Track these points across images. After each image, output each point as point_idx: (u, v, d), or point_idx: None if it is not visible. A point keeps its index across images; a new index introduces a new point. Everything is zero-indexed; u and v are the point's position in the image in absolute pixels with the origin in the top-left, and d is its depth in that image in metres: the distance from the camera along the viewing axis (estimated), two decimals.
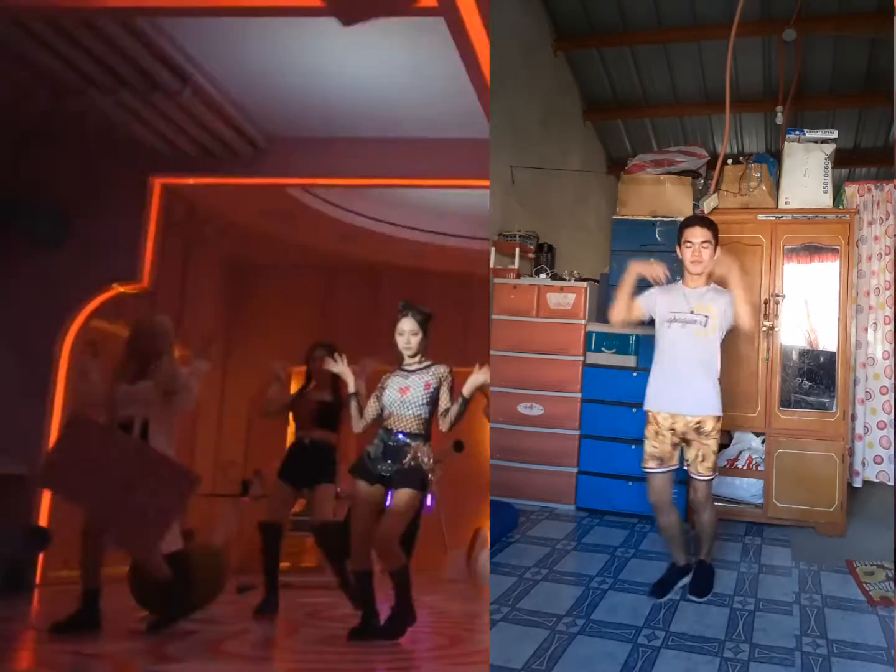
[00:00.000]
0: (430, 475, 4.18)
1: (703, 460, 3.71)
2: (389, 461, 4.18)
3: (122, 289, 7.03)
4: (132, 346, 4.52)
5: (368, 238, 8.94)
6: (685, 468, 3.78)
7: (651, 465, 3.73)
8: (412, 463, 4.14)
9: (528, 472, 5.15)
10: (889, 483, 5.02)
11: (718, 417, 3.72)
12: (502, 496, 5.00)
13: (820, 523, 4.65)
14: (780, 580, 3.94)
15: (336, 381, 5.00)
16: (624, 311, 3.87)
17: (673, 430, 3.70)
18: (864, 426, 5.10)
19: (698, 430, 3.69)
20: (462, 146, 6.68)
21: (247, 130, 6.91)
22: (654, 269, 3.82)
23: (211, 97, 6.38)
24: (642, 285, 3.91)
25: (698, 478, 3.73)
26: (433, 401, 4.24)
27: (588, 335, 5.17)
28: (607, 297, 5.17)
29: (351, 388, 4.39)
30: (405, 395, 4.23)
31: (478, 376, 4.13)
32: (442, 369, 4.30)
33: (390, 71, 6.12)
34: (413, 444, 4.17)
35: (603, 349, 5.12)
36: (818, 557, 4.24)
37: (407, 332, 4.30)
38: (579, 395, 5.15)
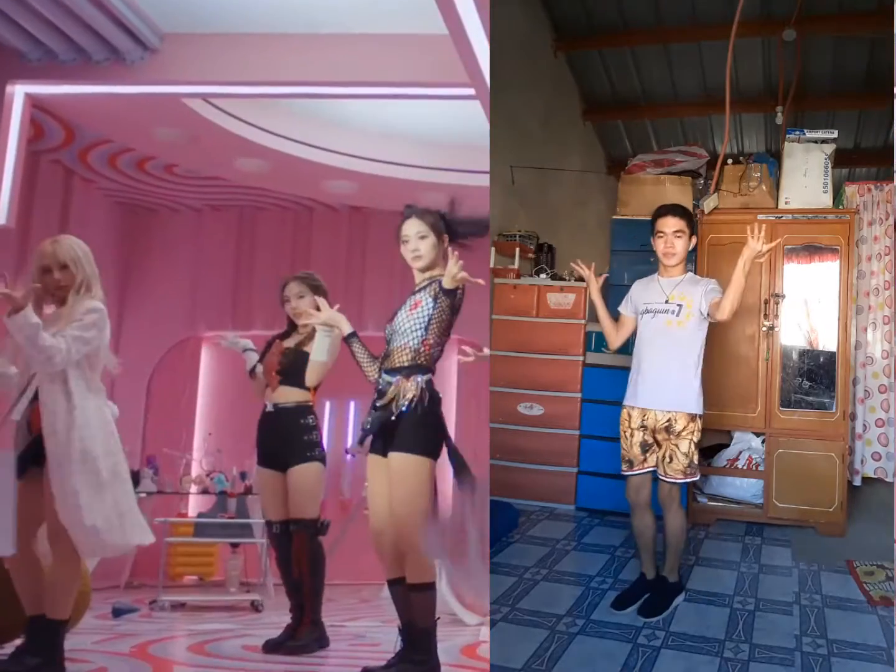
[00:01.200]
0: (441, 434, 3.20)
1: (669, 461, 3.47)
2: (373, 409, 3.27)
3: None
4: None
5: (296, 168, 7.16)
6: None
7: (623, 468, 3.60)
8: (396, 404, 3.18)
9: (528, 472, 5.15)
10: (886, 479, 5.04)
11: (694, 416, 3.47)
12: (502, 496, 4.99)
13: (820, 523, 4.65)
14: (780, 580, 3.94)
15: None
16: (613, 333, 3.77)
17: (643, 427, 3.51)
18: (864, 424, 5.13)
19: (667, 428, 3.46)
20: (416, 42, 5.36)
21: (133, 24, 5.37)
22: (583, 268, 3.86)
23: None
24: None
25: (664, 479, 3.52)
26: (426, 322, 3.26)
27: (588, 335, 5.17)
28: (607, 298, 5.16)
29: (346, 330, 3.42)
30: (392, 323, 3.35)
31: (454, 266, 3.12)
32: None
33: None
34: (394, 379, 3.24)
35: (603, 349, 5.10)
36: (818, 557, 4.24)
37: (413, 237, 3.33)
38: (579, 395, 5.16)
